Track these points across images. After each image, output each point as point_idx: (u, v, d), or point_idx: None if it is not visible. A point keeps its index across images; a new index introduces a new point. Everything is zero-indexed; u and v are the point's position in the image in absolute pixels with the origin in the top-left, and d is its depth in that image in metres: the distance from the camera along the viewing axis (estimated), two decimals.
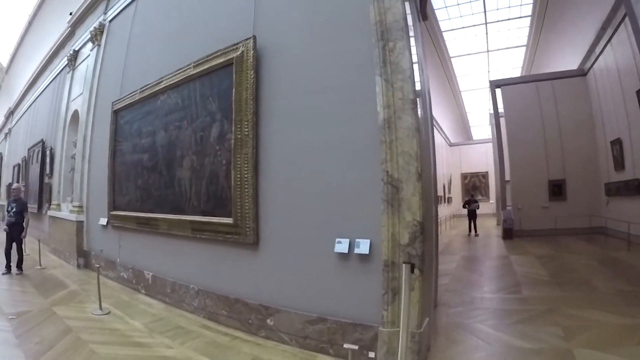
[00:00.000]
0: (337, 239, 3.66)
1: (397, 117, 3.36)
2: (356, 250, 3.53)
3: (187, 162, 5.33)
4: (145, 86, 6.39)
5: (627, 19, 9.42)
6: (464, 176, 23.46)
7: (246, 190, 4.38)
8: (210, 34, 5.35)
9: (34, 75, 15.89)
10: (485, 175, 22.79)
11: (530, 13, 13.83)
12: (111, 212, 7.22)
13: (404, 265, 2.90)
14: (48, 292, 6.47)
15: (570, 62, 13.79)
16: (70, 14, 10.75)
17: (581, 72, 13.27)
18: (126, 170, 6.90)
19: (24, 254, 8.26)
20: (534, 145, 13.49)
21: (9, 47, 19.88)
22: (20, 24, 17.24)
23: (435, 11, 13.67)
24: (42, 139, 13.16)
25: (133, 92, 6.77)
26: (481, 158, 22.58)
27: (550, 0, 11.97)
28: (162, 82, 5.96)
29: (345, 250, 3.60)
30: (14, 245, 8.08)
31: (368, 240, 3.50)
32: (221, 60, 4.82)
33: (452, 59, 17.76)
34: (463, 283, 6.61)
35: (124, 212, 6.83)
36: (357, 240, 3.56)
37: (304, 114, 4.10)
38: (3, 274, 7.76)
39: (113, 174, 7.27)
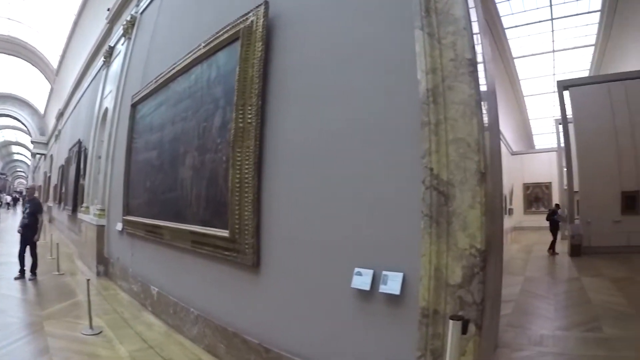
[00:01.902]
0: (356, 269, 2.54)
1: (447, 87, 2.20)
2: (382, 288, 2.38)
3: (189, 159, 4.44)
4: (160, 74, 5.62)
5: None
6: (526, 187, 22.16)
7: (246, 195, 3.38)
8: (224, 8, 4.47)
9: (78, 76, 15.99)
10: (548, 186, 21.34)
11: (599, 8, 12.83)
12: (124, 217, 6.50)
13: (451, 322, 1.82)
14: (49, 303, 5.90)
15: None
16: (108, 9, 10.41)
17: None
18: (138, 170, 6.14)
19: (38, 258, 7.71)
20: (606, 154, 11.89)
21: (58, 49, 20.40)
22: (66, 25, 17.55)
23: (497, 4, 12.61)
24: (79, 139, 13.06)
25: (149, 82, 6.05)
26: (544, 168, 21.25)
27: None
28: (174, 67, 5.15)
29: (367, 287, 2.46)
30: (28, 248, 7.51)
31: (400, 275, 2.34)
32: (230, 34, 3.90)
33: (514, 60, 16.32)
34: (529, 315, 5.41)
35: (134, 218, 6.07)
36: (384, 273, 2.40)
37: (319, 93, 3.06)
38: (16, 278, 7.24)
39: (127, 174, 6.53)
